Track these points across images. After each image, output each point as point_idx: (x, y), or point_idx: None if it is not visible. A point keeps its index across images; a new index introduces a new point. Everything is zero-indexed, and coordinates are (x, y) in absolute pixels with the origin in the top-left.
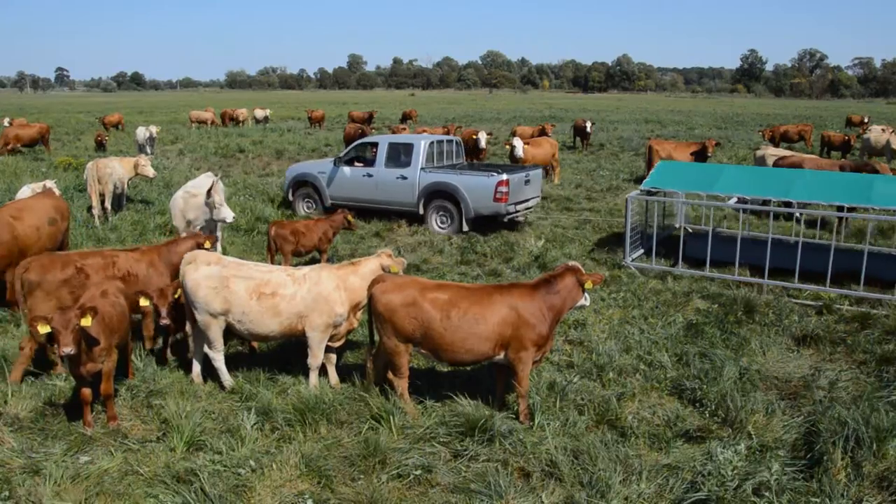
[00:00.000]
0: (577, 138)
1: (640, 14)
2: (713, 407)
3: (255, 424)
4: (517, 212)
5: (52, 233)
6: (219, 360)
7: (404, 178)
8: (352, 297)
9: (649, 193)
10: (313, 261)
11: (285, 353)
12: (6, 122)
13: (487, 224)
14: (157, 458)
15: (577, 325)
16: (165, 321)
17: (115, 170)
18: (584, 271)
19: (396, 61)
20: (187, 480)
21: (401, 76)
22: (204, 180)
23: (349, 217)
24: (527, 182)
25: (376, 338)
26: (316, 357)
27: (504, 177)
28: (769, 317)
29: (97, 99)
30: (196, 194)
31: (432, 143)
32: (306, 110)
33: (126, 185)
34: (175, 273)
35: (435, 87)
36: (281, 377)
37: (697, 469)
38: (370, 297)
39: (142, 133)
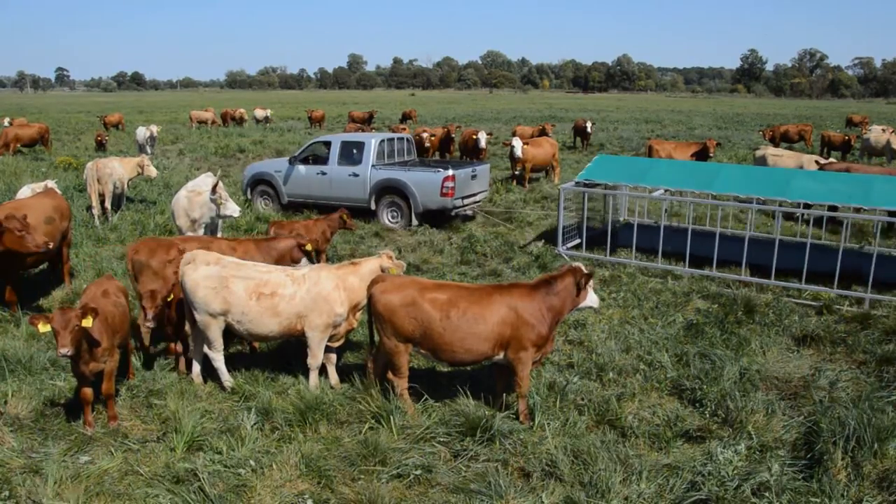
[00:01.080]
0: (578, 138)
1: (640, 14)
2: (713, 407)
3: (255, 424)
4: (464, 206)
5: (50, 231)
6: (218, 360)
7: (356, 175)
8: (351, 297)
9: (587, 185)
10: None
11: (285, 353)
12: (6, 122)
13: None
14: (157, 458)
15: (577, 325)
16: (150, 323)
17: (115, 170)
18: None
19: (396, 61)
20: (187, 480)
21: (401, 76)
22: (204, 180)
23: (345, 216)
24: (473, 177)
25: (376, 338)
26: (316, 357)
27: (450, 172)
28: (769, 317)
29: (97, 99)
30: (200, 192)
31: (382, 141)
32: (306, 110)
33: (126, 186)
34: None
35: (435, 87)
36: (281, 377)
37: (697, 469)
38: (370, 298)
39: (142, 133)
